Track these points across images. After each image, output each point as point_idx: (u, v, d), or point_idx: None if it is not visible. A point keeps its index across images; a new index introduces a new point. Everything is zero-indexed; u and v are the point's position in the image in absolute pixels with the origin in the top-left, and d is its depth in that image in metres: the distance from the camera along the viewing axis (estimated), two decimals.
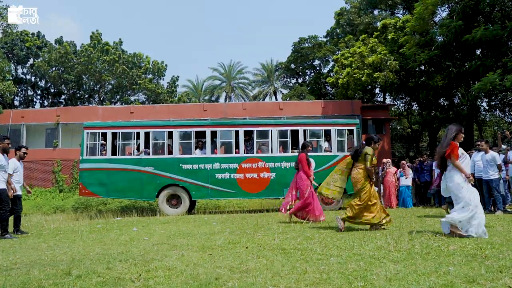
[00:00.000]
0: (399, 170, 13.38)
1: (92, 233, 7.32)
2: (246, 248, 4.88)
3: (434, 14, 19.10)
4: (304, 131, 12.33)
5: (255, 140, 12.27)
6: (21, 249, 5.65)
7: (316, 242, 5.13)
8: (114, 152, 12.11)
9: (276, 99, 41.36)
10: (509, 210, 9.62)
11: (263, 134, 12.38)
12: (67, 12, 78.89)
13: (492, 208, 9.57)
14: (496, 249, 4.24)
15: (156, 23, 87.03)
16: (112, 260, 4.27)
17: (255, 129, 12.33)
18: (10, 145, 7.46)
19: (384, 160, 13.48)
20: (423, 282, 3.03)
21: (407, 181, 12.80)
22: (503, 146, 10.04)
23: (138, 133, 12.14)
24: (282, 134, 12.30)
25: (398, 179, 13.07)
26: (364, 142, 6.65)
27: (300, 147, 8.65)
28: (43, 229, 8.41)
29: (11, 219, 7.55)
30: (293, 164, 12.21)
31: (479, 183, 9.86)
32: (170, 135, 12.21)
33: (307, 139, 12.33)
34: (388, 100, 30.56)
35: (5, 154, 7.23)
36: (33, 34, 33.41)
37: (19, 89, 33.42)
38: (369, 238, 5.30)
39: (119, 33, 66.90)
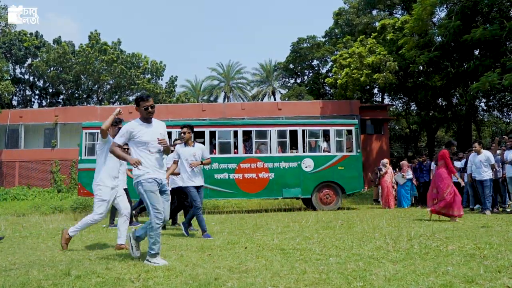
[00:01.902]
0: (397, 170, 13.41)
1: (91, 233, 7.31)
2: (245, 248, 4.89)
3: (433, 14, 19.13)
4: (303, 131, 12.35)
5: (253, 140, 12.28)
6: (19, 249, 5.64)
7: (315, 242, 5.14)
8: None
9: (275, 99, 41.39)
10: (508, 210, 9.67)
11: (261, 134, 12.39)
12: (66, 12, 78.80)
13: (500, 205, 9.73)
14: (495, 249, 4.25)
15: (155, 23, 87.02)
16: (112, 261, 4.27)
17: (253, 129, 12.35)
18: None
19: (383, 161, 13.49)
20: (422, 282, 3.04)
21: (406, 178, 12.83)
22: (498, 151, 10.11)
23: None
24: (281, 134, 12.31)
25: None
26: None
27: (445, 144, 8.62)
28: (41, 229, 8.39)
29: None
30: (291, 164, 12.29)
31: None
32: (169, 135, 12.20)
33: (306, 139, 12.35)
34: (386, 100, 30.61)
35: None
36: (31, 34, 33.36)
37: (17, 89, 33.35)
38: (368, 238, 5.31)
39: (117, 33, 66.94)
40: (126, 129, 4.24)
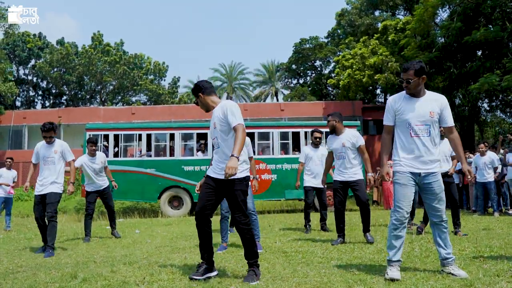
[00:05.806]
0: None
1: (95, 235, 7.38)
2: None
3: (435, 15, 19.14)
4: (306, 132, 12.38)
5: (256, 141, 12.33)
6: (26, 252, 5.72)
7: (317, 245, 5.19)
8: (116, 154, 12.18)
9: (277, 100, 41.39)
10: (510, 212, 9.69)
11: (264, 136, 12.43)
12: (67, 12, 78.99)
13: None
14: (495, 253, 4.29)
15: (157, 24, 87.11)
16: (116, 263, 4.33)
17: (256, 130, 12.39)
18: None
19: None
20: (421, 285, 3.08)
21: None
22: (502, 151, 10.10)
23: (140, 135, 12.20)
24: (284, 136, 12.35)
25: None
26: None
27: None
28: None
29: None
30: (294, 165, 12.32)
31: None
32: (172, 136, 12.27)
33: (308, 141, 12.39)
34: None
35: None
36: (34, 35, 33.53)
37: (21, 90, 33.53)
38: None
39: (120, 34, 67.06)
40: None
